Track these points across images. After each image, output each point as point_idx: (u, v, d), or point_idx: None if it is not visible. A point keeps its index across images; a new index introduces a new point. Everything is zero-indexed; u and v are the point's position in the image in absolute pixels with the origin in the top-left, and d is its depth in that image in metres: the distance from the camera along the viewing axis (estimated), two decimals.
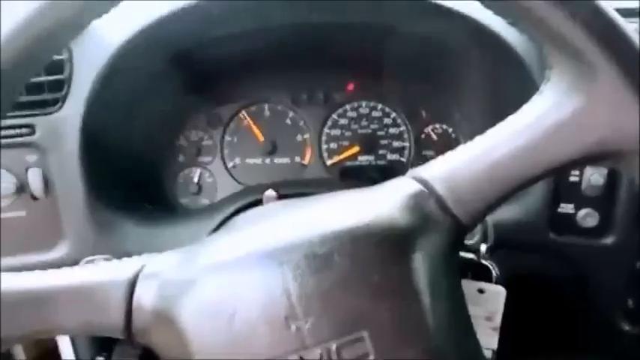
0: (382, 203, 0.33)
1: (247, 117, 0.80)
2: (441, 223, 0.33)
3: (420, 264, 0.31)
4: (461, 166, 0.33)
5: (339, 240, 0.31)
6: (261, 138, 0.79)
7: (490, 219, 0.54)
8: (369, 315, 0.29)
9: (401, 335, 0.30)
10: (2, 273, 0.32)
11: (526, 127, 0.32)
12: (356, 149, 0.79)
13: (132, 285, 0.32)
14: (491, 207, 0.34)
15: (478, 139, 0.34)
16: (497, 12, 0.33)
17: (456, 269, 0.35)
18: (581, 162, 0.33)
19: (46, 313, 0.31)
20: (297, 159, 0.80)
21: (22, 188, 0.59)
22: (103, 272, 0.33)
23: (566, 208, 0.61)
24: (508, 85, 0.63)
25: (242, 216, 0.42)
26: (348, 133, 0.80)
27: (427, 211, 0.33)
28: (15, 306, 0.31)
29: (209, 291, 0.31)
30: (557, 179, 0.60)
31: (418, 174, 0.34)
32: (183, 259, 0.33)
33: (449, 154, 0.35)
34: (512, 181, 0.33)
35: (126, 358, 0.78)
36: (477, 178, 0.32)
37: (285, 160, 0.80)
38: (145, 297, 0.32)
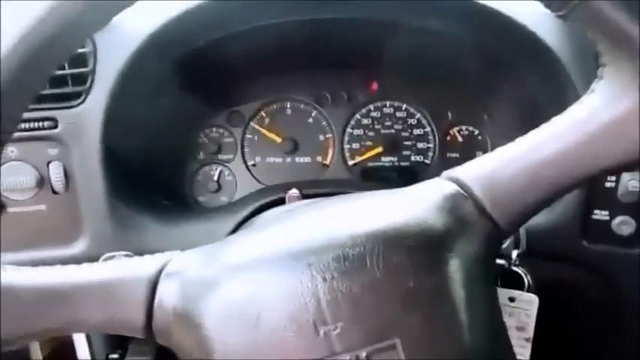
0: (416, 205, 0.31)
1: (268, 115, 0.78)
2: (478, 228, 0.31)
3: (456, 271, 0.29)
4: (500, 166, 0.31)
5: (371, 242, 0.29)
6: (279, 139, 0.78)
7: None
8: (401, 322, 0.28)
9: (434, 346, 0.28)
10: (23, 268, 0.31)
11: (575, 126, 0.31)
12: (379, 150, 0.77)
13: (154, 283, 0.31)
14: (533, 211, 0.32)
15: (519, 140, 0.32)
16: (552, 6, 0.31)
17: (492, 277, 0.33)
18: (631, 165, 0.31)
19: (67, 309, 0.30)
20: (319, 158, 0.78)
21: (42, 182, 0.58)
22: (125, 269, 0.31)
23: (601, 215, 0.58)
24: (542, 88, 0.61)
25: (267, 214, 0.41)
26: (371, 134, 0.78)
27: (464, 214, 0.31)
28: (36, 301, 0.30)
29: (233, 292, 0.29)
30: (592, 185, 0.57)
31: (454, 175, 0.33)
32: (207, 258, 0.32)
33: (487, 155, 0.33)
34: (556, 183, 0.31)
35: (140, 355, 0.77)
36: (518, 180, 0.31)
37: (307, 160, 0.78)
38: (167, 296, 0.30)
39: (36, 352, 0.94)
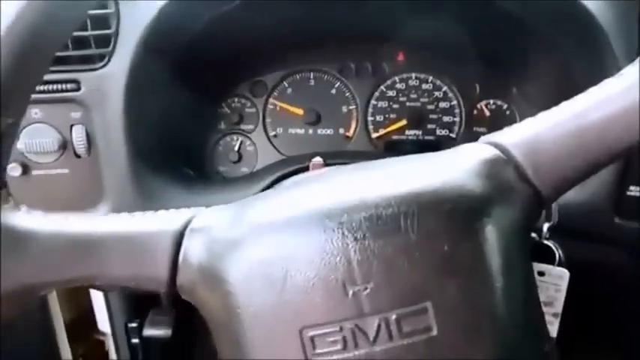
0: (454, 168, 0.30)
1: (291, 86, 0.77)
2: (518, 194, 0.29)
3: (494, 237, 0.28)
4: (544, 131, 0.29)
5: (406, 204, 0.28)
6: (301, 110, 0.76)
7: None
8: (434, 287, 0.27)
9: (467, 313, 0.27)
10: (50, 215, 0.31)
11: (625, 90, 0.28)
12: (403, 123, 0.75)
13: (179, 237, 0.30)
14: (576, 179, 0.30)
15: (564, 104, 0.30)
16: None
17: (529, 246, 0.31)
18: None
19: (91, 260, 0.30)
20: (341, 131, 0.77)
21: (65, 145, 0.58)
22: (151, 222, 0.31)
23: (636, 191, 0.56)
24: (579, 57, 0.58)
25: (295, 177, 0.39)
26: (395, 106, 0.76)
27: (504, 179, 0.29)
28: (60, 250, 0.29)
29: (261, 250, 0.28)
30: (628, 159, 0.55)
31: (494, 139, 0.31)
32: (235, 215, 0.31)
33: (528, 119, 0.31)
34: (603, 150, 0.29)
35: (159, 325, 0.78)
36: (563, 145, 0.29)
37: (329, 132, 0.77)
38: (192, 251, 0.30)
39: (59, 320, 0.96)
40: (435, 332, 0.26)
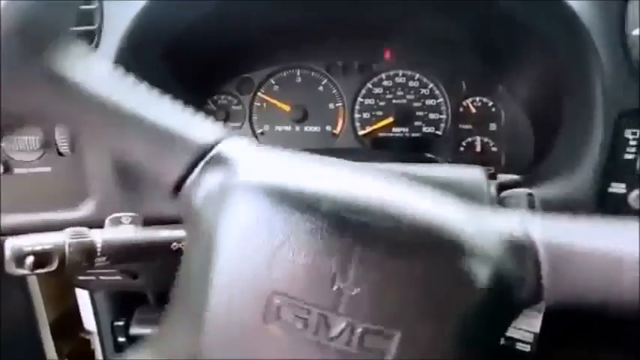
0: (483, 227, 0.29)
1: (278, 83, 0.77)
2: (524, 281, 0.28)
3: (485, 305, 0.28)
4: (581, 245, 0.28)
5: (427, 239, 0.27)
6: (288, 107, 0.76)
7: (538, 193, 0.51)
8: (412, 322, 0.27)
9: (427, 356, 0.27)
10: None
11: None
12: (390, 120, 0.76)
13: (203, 153, 0.30)
14: (579, 306, 0.29)
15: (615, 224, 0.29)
16: None
17: (509, 324, 0.32)
18: None
19: (119, 129, 0.31)
20: (328, 128, 0.77)
21: (48, 144, 0.57)
22: (186, 123, 0.31)
23: (618, 187, 0.56)
24: (564, 57, 0.59)
25: (343, 160, 0.38)
26: (382, 103, 0.76)
27: (521, 261, 0.28)
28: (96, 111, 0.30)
29: (273, 210, 0.28)
30: (610, 156, 0.56)
31: (532, 230, 0.29)
32: (264, 161, 0.30)
33: (570, 222, 0.29)
34: (624, 299, 0.28)
35: (145, 323, 0.78)
36: (593, 274, 0.28)
37: (316, 129, 0.77)
38: (208, 173, 0.30)
39: (43, 319, 0.95)
40: (389, 357, 0.26)
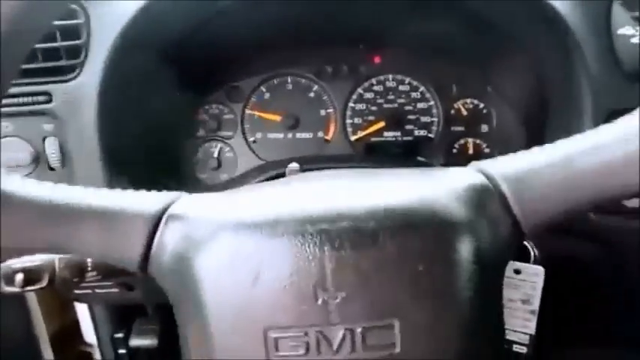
0: (440, 190, 0.30)
1: (268, 91, 0.77)
2: (499, 225, 0.29)
3: (469, 264, 0.28)
4: (535, 168, 0.29)
5: (388, 220, 0.28)
6: (279, 115, 0.76)
7: None
8: (404, 305, 0.27)
9: (432, 335, 0.27)
10: (29, 179, 0.31)
11: (619, 142, 0.28)
12: (381, 124, 0.76)
13: (156, 221, 0.30)
14: (559, 220, 0.30)
15: (559, 143, 0.30)
16: None
17: (503, 275, 0.31)
18: None
19: (64, 228, 0.29)
20: (320, 134, 0.77)
21: (38, 158, 0.58)
22: (130, 201, 0.31)
23: None
24: (550, 58, 0.59)
25: (289, 178, 0.39)
26: (373, 108, 0.76)
27: (488, 208, 0.29)
28: (36, 216, 0.29)
29: (237, 245, 0.28)
30: None
31: (484, 168, 0.31)
32: (216, 205, 0.31)
33: (521, 153, 0.31)
34: (592, 195, 0.29)
35: (144, 335, 0.78)
36: (552, 185, 0.29)
37: (308, 135, 0.77)
38: (168, 237, 0.30)
39: (43, 333, 0.95)
40: (397, 349, 0.27)
